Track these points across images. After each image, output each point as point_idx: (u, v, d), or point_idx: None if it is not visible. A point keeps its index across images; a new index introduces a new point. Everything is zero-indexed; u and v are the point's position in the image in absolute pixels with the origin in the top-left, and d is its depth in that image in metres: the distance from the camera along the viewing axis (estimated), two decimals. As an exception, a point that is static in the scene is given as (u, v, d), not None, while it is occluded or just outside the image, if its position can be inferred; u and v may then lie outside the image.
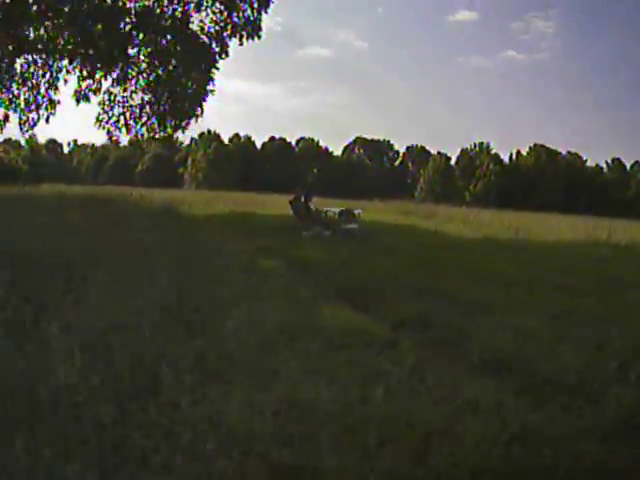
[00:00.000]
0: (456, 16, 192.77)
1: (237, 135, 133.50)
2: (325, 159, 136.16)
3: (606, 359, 8.71)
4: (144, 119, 38.23)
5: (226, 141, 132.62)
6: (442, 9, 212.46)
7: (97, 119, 37.72)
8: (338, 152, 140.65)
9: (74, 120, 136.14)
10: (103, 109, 37.69)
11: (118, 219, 23.59)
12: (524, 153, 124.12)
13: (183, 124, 38.74)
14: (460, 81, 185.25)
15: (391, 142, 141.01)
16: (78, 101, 36.75)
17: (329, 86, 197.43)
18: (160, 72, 36.97)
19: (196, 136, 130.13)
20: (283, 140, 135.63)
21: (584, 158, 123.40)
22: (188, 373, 6.77)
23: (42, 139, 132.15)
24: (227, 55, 36.33)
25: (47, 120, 37.57)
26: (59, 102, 37.45)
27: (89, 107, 37.21)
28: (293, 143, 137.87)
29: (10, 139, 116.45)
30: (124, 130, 38.17)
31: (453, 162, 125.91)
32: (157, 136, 39.14)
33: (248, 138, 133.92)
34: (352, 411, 6.27)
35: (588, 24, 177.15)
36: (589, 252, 23.97)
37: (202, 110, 37.73)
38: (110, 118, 37.86)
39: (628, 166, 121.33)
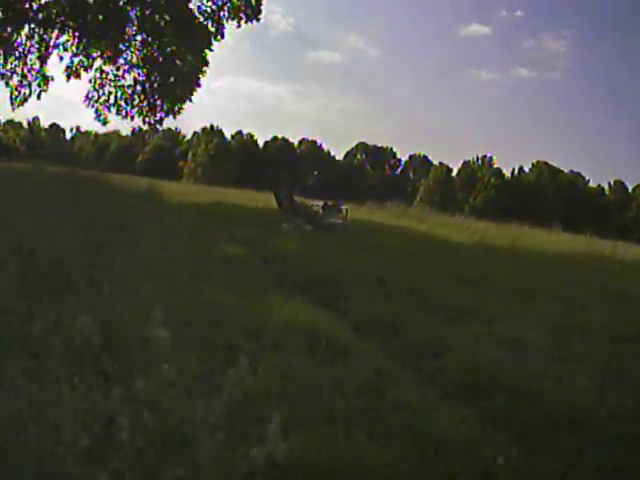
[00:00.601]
0: (468, 29, 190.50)
1: (239, 132, 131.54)
2: (326, 162, 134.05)
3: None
4: (135, 101, 36.15)
5: (228, 137, 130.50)
6: (455, 21, 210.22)
7: (87, 97, 35.74)
8: (340, 156, 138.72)
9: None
10: (94, 87, 35.79)
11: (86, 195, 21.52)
12: (527, 169, 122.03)
13: (175, 108, 36.59)
14: (469, 94, 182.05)
15: (394, 150, 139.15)
16: (69, 77, 35.16)
17: (338, 91, 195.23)
18: (154, 51, 35.07)
19: (199, 130, 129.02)
20: (285, 140, 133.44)
21: (586, 178, 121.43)
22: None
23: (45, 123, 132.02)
24: (222, 37, 34.59)
25: (38, 96, 35.86)
26: (52, 78, 35.72)
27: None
28: (296, 144, 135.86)
29: (12, 120, 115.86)
30: (114, 110, 35.98)
31: (454, 174, 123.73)
32: (148, 119, 36.65)
33: (250, 136, 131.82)
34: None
35: (600, 46, 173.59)
36: (591, 263, 21.80)
37: (192, 92, 35.73)
38: (100, 97, 35.84)
39: (630, 188, 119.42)
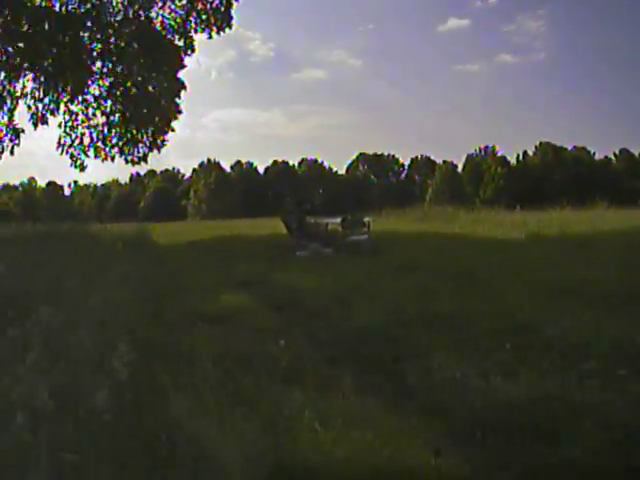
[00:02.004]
0: (447, 25, 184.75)
1: (238, 162, 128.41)
2: (329, 178, 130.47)
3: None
4: (113, 139, 31.92)
5: (228, 169, 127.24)
6: (433, 19, 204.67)
7: (59, 143, 31.39)
8: (342, 171, 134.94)
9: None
10: (65, 131, 31.41)
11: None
12: (530, 153, 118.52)
13: (158, 141, 32.37)
14: (459, 89, 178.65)
15: (395, 156, 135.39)
16: (35, 124, 30.62)
17: (328, 107, 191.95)
18: (123, 81, 30.99)
19: (196, 166, 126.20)
20: (285, 163, 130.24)
21: (591, 152, 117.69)
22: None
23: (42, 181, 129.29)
24: (193, 50, 30.50)
25: (12, 151, 31.29)
26: (23, 131, 31.06)
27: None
28: (296, 166, 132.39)
29: (8, 185, 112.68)
30: (92, 153, 31.67)
31: (460, 169, 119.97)
32: (130, 157, 32.38)
33: (250, 164, 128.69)
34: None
35: (578, 19, 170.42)
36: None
37: (173, 119, 31.63)
38: (74, 141, 31.50)
39: (637, 155, 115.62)
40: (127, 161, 32.43)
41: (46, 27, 28.37)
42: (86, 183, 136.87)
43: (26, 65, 29.69)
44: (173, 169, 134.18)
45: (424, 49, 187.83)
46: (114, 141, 31.79)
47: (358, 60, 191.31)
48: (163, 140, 32.45)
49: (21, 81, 30.48)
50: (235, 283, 13.91)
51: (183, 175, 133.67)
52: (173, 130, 32.36)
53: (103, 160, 32.02)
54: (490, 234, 23.20)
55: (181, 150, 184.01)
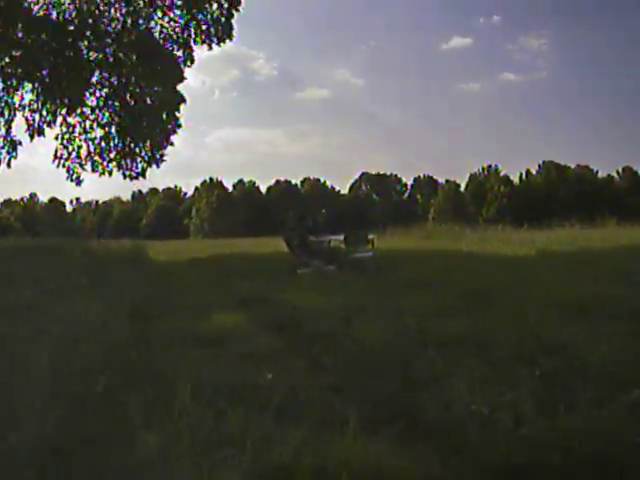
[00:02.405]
0: (450, 43, 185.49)
1: (241, 181, 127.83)
2: (332, 198, 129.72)
3: None
4: (112, 153, 31.10)
5: (230, 188, 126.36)
6: (436, 37, 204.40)
7: (55, 155, 30.57)
8: (345, 190, 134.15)
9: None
10: (62, 143, 30.64)
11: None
12: (533, 172, 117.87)
13: (157, 156, 31.53)
14: (461, 108, 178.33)
15: (398, 175, 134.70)
16: (32, 136, 29.91)
17: (331, 126, 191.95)
18: (122, 93, 30.22)
19: (199, 185, 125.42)
20: (288, 183, 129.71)
21: (594, 170, 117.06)
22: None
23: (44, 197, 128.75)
24: (192, 62, 29.65)
25: (8, 164, 30.53)
26: (20, 143, 30.23)
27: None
28: (299, 185, 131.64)
29: (10, 199, 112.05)
30: (89, 167, 30.84)
31: (462, 189, 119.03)
32: (128, 172, 31.52)
33: (252, 183, 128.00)
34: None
35: (580, 38, 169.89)
36: None
37: (172, 134, 30.83)
38: (70, 153, 30.68)
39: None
40: (125, 176, 31.66)
41: (43, 36, 27.67)
42: (88, 200, 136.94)
43: (23, 75, 28.98)
44: (175, 187, 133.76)
45: (427, 68, 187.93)
46: (112, 155, 31.05)
47: (360, 79, 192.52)
48: (162, 155, 31.67)
49: (19, 92, 29.92)
50: (233, 302, 12.95)
51: (185, 193, 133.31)
52: (172, 144, 31.65)
53: (101, 174, 31.29)
54: (499, 251, 22.25)
55: (184, 169, 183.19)
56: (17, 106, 29.80)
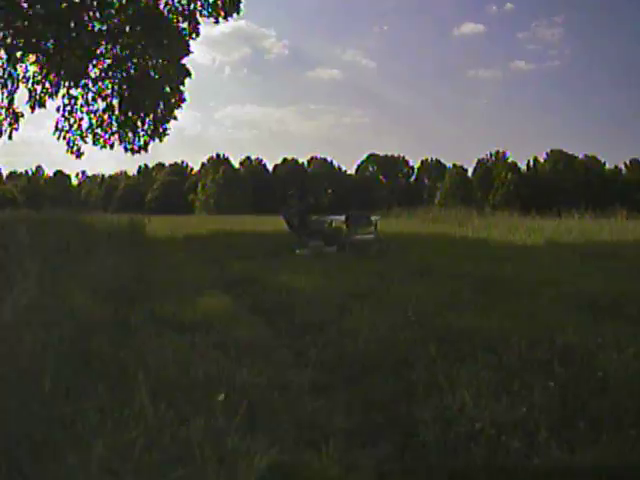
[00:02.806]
0: (462, 29, 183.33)
1: (248, 158, 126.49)
2: (338, 178, 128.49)
3: None
4: (114, 126, 30.29)
5: (237, 165, 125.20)
6: (448, 23, 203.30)
7: (56, 128, 29.72)
8: (352, 171, 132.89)
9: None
10: (63, 116, 29.73)
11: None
12: (541, 159, 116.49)
13: (160, 129, 30.71)
14: (471, 94, 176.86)
15: (405, 158, 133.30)
16: (32, 107, 29.02)
17: (342, 107, 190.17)
18: (127, 67, 29.36)
19: (205, 161, 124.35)
20: (295, 161, 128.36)
21: (602, 161, 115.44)
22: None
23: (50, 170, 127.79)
24: (198, 34, 28.78)
25: (10, 136, 29.65)
26: (22, 115, 29.37)
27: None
28: (305, 164, 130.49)
29: (14, 172, 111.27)
30: (90, 139, 30.02)
31: (470, 174, 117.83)
32: (130, 145, 30.69)
33: (259, 161, 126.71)
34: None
35: (593, 27, 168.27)
36: None
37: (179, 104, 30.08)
38: (72, 126, 29.83)
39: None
40: (126, 149, 30.85)
41: (47, 6, 26.80)
42: (94, 174, 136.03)
43: (26, 46, 28.16)
44: (182, 162, 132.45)
45: (439, 52, 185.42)
46: (114, 128, 30.28)
47: (372, 61, 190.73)
48: (165, 129, 30.87)
49: (23, 64, 29.11)
50: (224, 283, 12.21)
51: (192, 169, 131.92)
52: (176, 119, 30.85)
53: (102, 147, 30.54)
54: (506, 239, 21.44)
55: (192, 145, 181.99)
56: (21, 78, 29.08)
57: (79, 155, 30.18)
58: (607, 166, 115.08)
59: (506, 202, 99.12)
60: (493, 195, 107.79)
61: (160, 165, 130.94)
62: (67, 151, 30.00)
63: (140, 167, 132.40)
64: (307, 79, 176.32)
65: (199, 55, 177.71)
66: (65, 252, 12.89)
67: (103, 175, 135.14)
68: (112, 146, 30.58)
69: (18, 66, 28.95)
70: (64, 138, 29.72)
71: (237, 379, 5.50)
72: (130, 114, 29.85)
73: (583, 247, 18.35)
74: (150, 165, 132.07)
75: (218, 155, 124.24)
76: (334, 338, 7.29)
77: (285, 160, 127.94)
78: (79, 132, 29.82)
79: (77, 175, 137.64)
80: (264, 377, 5.65)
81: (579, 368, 5.73)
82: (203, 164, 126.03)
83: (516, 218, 33.63)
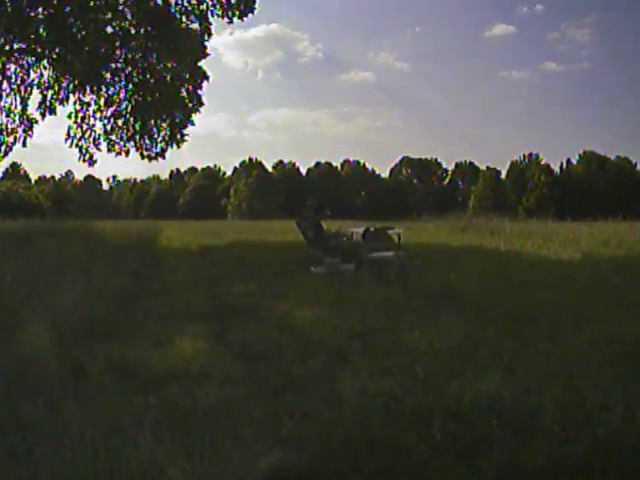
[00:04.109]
0: (493, 31, 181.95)
1: (281, 162, 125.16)
2: (372, 181, 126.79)
3: None
4: (130, 132, 28.95)
5: (270, 169, 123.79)
6: (479, 24, 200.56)
7: (68, 134, 28.46)
8: (386, 174, 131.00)
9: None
10: (75, 122, 28.49)
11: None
12: (574, 161, 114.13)
13: (177, 136, 29.33)
14: (504, 95, 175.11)
15: (439, 160, 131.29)
16: (43, 114, 27.88)
17: (375, 109, 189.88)
18: (141, 71, 28.08)
19: (238, 165, 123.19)
20: (328, 165, 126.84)
21: (634, 162, 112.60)
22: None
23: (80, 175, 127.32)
24: (210, 35, 27.41)
25: (24, 143, 28.65)
26: (36, 121, 28.32)
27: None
28: (339, 168, 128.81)
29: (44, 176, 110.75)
30: (104, 147, 28.74)
31: (503, 176, 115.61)
32: (147, 152, 29.33)
33: (292, 164, 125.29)
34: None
35: (623, 28, 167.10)
36: None
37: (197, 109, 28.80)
38: (84, 133, 28.55)
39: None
40: (143, 156, 29.50)
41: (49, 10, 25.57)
42: (126, 178, 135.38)
43: (37, 52, 27.03)
44: (215, 166, 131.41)
45: (471, 54, 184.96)
46: (129, 134, 28.94)
47: (405, 63, 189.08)
48: (183, 134, 29.47)
49: (38, 69, 27.96)
50: (216, 310, 10.52)
51: (224, 173, 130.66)
52: (193, 124, 29.45)
53: (117, 154, 29.24)
54: (540, 252, 19.45)
55: (226, 149, 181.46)
56: (35, 83, 27.91)
57: (92, 163, 29.07)
58: (639, 168, 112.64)
59: (539, 205, 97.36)
60: (527, 198, 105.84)
61: (192, 169, 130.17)
62: (79, 159, 28.83)
63: (172, 171, 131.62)
64: (340, 82, 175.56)
65: (232, 59, 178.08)
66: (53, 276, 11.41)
67: (135, 180, 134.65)
68: (127, 153, 29.34)
69: (32, 72, 27.94)
70: (77, 146, 28.54)
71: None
72: (145, 120, 28.51)
73: (624, 263, 16.36)
74: (182, 169, 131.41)
75: (250, 159, 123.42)
76: (321, 404, 5.66)
77: (318, 164, 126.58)
78: (92, 139, 28.61)
79: (108, 180, 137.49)
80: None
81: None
82: (235, 168, 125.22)
83: (550, 225, 31.72)
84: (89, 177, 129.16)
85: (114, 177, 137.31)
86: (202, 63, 28.19)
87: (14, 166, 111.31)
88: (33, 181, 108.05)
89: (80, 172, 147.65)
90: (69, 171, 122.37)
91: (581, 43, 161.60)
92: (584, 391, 5.65)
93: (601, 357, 6.83)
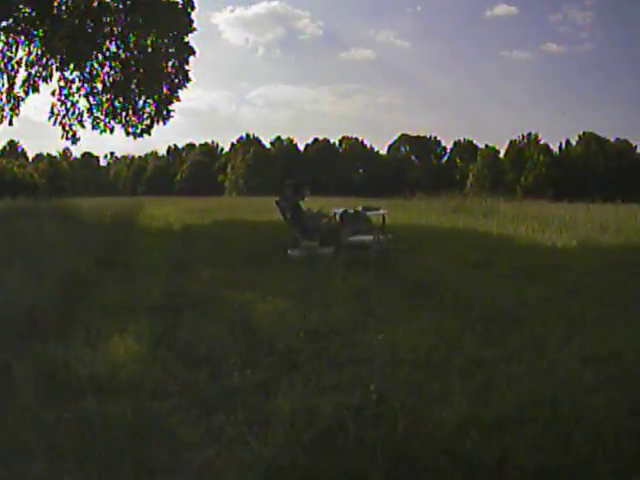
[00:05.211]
0: (495, 11, 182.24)
1: (279, 138, 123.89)
2: (370, 158, 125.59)
3: None
4: (117, 108, 27.97)
5: (268, 145, 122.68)
6: (481, 4, 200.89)
7: (51, 112, 27.45)
8: (384, 151, 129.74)
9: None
10: (59, 99, 27.58)
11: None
12: (573, 142, 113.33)
13: (164, 112, 28.33)
14: (504, 75, 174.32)
15: (437, 138, 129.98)
16: (26, 92, 26.96)
17: (377, 87, 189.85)
18: (128, 45, 27.04)
19: (235, 141, 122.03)
20: (327, 141, 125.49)
21: (634, 145, 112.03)
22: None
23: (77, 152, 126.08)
24: (193, 8, 26.32)
25: (10, 122, 27.59)
26: (23, 99, 27.25)
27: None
28: (337, 144, 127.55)
29: (40, 154, 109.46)
30: (88, 124, 27.72)
31: (502, 155, 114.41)
32: (132, 129, 28.34)
33: (290, 141, 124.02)
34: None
35: (624, 10, 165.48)
36: None
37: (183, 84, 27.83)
38: (68, 111, 27.53)
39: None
40: (128, 133, 28.52)
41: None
42: (124, 155, 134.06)
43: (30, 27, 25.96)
44: (212, 142, 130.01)
45: (472, 33, 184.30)
46: (114, 110, 27.96)
47: (406, 41, 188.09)
48: (169, 110, 28.47)
49: (25, 48, 26.89)
50: (172, 302, 9.46)
51: (222, 149, 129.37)
52: (179, 100, 28.46)
53: (102, 132, 28.22)
54: (534, 238, 18.30)
55: (225, 125, 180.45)
56: (24, 61, 26.87)
57: (74, 141, 28.17)
58: (639, 150, 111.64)
59: (537, 185, 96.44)
60: (525, 177, 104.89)
61: (190, 145, 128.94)
62: (61, 137, 27.89)
63: (169, 147, 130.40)
64: (341, 59, 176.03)
65: (232, 36, 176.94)
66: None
67: (133, 156, 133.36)
68: (112, 130, 28.40)
69: (21, 50, 26.91)
70: (60, 123, 27.58)
71: None
72: (129, 95, 27.50)
73: (622, 253, 15.22)
74: (180, 145, 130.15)
75: (248, 135, 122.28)
76: (247, 428, 4.68)
77: (316, 140, 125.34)
78: (76, 117, 27.64)
79: (106, 156, 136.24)
80: None
81: None
82: (233, 144, 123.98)
83: (546, 207, 30.55)
84: (86, 154, 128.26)
85: (112, 153, 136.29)
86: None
87: (11, 144, 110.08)
88: (30, 159, 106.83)
89: (78, 149, 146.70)
90: (67, 148, 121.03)
91: (582, 25, 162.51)
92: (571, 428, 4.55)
93: (594, 378, 5.70)
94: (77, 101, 27.65)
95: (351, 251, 13.81)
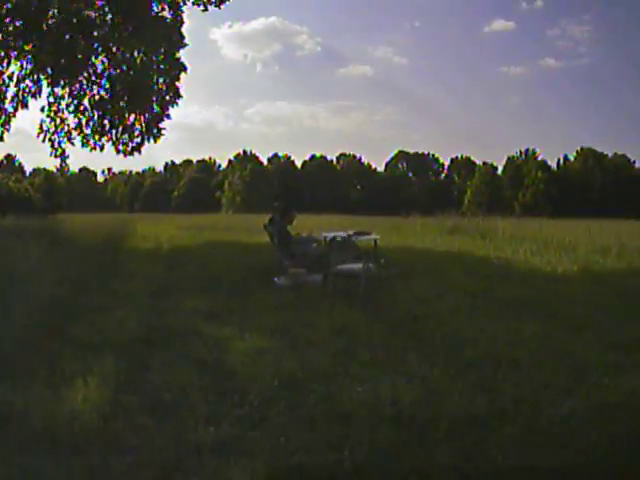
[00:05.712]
0: (493, 26, 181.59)
1: (276, 155, 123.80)
2: (368, 175, 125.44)
3: None
4: (105, 126, 27.38)
5: (265, 162, 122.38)
6: (479, 19, 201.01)
7: (40, 129, 26.89)
8: (381, 168, 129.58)
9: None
10: (48, 115, 26.97)
11: None
12: (571, 158, 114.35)
13: (154, 130, 27.76)
14: (502, 91, 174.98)
15: (435, 155, 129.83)
16: (15, 109, 26.48)
17: (373, 104, 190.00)
18: (118, 62, 26.55)
19: (232, 158, 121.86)
20: (324, 158, 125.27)
21: (632, 160, 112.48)
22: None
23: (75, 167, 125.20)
24: (182, 24, 26.20)
25: (1, 138, 27.07)
26: (14, 115, 26.64)
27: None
28: (334, 161, 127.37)
29: (38, 168, 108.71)
30: (78, 141, 27.27)
31: (499, 171, 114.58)
32: (123, 148, 27.77)
33: (287, 157, 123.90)
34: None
35: (622, 26, 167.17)
36: None
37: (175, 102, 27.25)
38: (57, 127, 26.97)
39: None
40: (118, 151, 27.93)
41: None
42: (122, 170, 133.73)
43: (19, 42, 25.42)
44: (210, 159, 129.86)
45: (469, 49, 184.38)
46: (106, 127, 27.42)
47: (403, 58, 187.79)
48: (159, 129, 27.89)
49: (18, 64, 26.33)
50: (146, 337, 8.84)
51: (219, 165, 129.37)
52: (169, 117, 27.86)
53: (91, 150, 27.66)
54: (533, 262, 17.64)
55: (223, 141, 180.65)
56: (16, 76, 26.30)
57: (63, 159, 27.56)
58: (637, 165, 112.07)
59: (536, 202, 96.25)
60: (523, 194, 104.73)
61: (187, 162, 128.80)
62: (51, 155, 27.30)
63: (166, 163, 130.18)
64: (339, 76, 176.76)
65: (230, 52, 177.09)
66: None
67: (130, 172, 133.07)
68: (102, 148, 27.75)
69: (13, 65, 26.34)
70: (49, 140, 27.00)
71: None
72: (117, 113, 26.96)
73: (625, 281, 14.46)
74: (177, 161, 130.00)
75: (245, 151, 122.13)
76: None
77: (314, 157, 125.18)
78: (65, 134, 27.07)
79: (103, 172, 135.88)
80: None
81: None
82: (230, 161, 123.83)
83: (545, 225, 29.81)
84: (83, 169, 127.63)
85: (109, 169, 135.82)
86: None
87: (8, 157, 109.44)
88: (28, 173, 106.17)
89: (75, 164, 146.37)
90: (64, 163, 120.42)
91: (580, 40, 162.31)
92: None
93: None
94: (66, 118, 26.99)
95: (339, 279, 13.18)
